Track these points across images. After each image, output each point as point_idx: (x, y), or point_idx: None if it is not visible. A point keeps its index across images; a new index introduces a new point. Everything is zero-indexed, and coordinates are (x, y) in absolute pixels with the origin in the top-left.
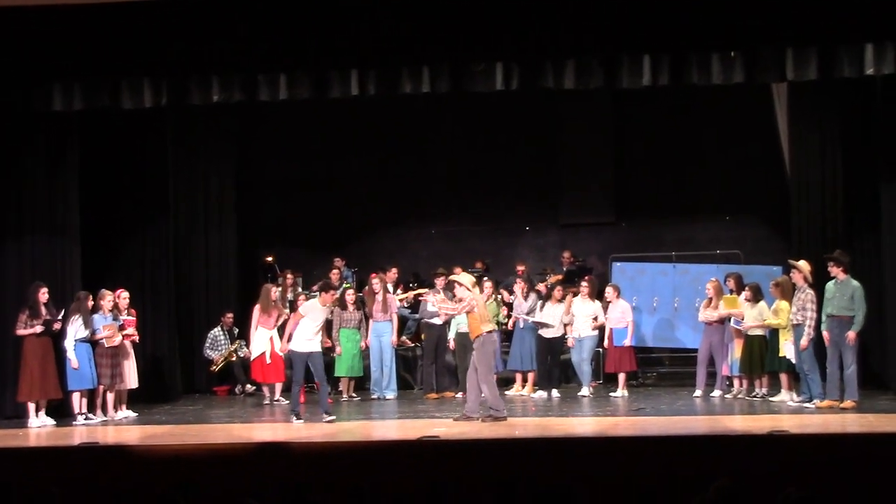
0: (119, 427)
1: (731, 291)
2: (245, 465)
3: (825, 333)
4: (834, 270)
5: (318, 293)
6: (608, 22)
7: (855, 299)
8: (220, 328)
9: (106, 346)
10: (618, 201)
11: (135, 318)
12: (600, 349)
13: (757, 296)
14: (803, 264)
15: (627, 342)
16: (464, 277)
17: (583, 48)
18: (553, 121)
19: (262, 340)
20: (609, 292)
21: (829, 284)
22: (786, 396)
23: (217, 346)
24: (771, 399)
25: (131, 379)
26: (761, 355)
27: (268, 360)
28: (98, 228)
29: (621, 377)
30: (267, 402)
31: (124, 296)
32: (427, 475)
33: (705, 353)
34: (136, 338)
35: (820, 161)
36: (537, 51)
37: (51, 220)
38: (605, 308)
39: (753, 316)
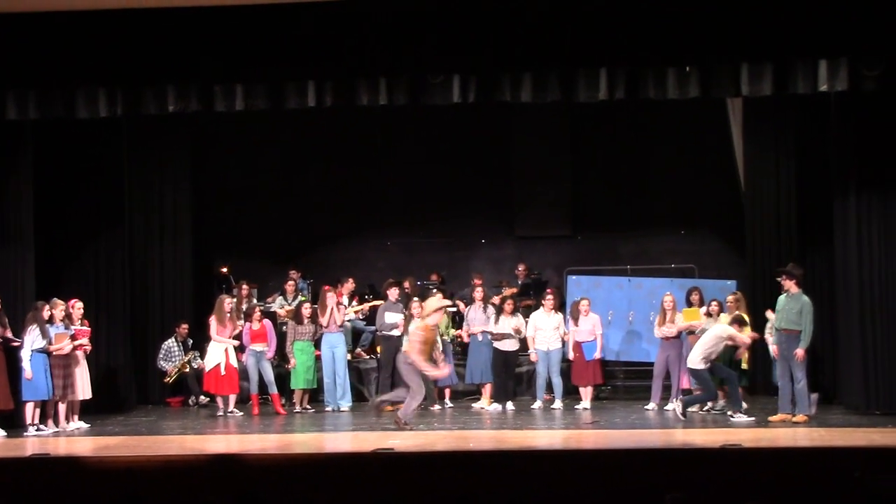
0: (71, 438)
1: (691, 304)
2: (198, 477)
3: (773, 347)
4: (786, 283)
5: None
6: (565, 36)
7: (803, 314)
8: (174, 339)
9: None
10: (574, 214)
11: (89, 329)
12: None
13: (720, 311)
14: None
15: (597, 355)
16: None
17: (540, 62)
18: (509, 134)
19: (218, 352)
20: (583, 304)
21: (782, 297)
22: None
23: (171, 357)
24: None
25: (84, 390)
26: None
27: (222, 372)
28: (53, 237)
29: (588, 390)
30: (220, 413)
31: (78, 306)
32: (381, 488)
33: (662, 366)
34: (89, 348)
35: (774, 176)
36: (494, 64)
37: (4, 228)
38: (576, 320)
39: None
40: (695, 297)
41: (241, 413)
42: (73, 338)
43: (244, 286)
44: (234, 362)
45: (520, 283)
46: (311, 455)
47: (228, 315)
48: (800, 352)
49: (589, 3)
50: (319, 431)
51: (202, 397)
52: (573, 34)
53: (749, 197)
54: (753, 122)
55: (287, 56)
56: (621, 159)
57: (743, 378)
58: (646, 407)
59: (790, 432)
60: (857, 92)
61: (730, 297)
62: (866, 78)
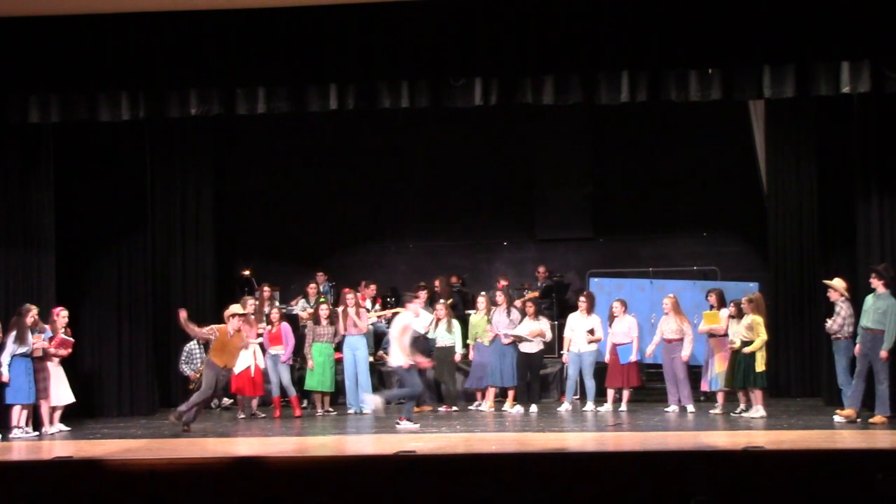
0: (94, 441)
1: (712, 307)
2: (220, 480)
3: (857, 346)
4: (875, 283)
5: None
6: (587, 38)
7: (888, 315)
8: (195, 342)
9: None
10: (595, 217)
11: (71, 339)
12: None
13: (741, 311)
14: (837, 282)
15: (633, 357)
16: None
17: (561, 64)
18: (531, 136)
19: (247, 354)
20: (616, 307)
21: (869, 297)
22: (762, 412)
23: (192, 360)
24: (751, 416)
25: (59, 395)
26: (745, 371)
27: (252, 374)
28: (74, 241)
29: (624, 392)
30: (242, 416)
31: (63, 314)
32: (403, 490)
33: (669, 368)
34: (62, 354)
35: (796, 178)
36: (516, 67)
37: (25, 232)
38: (610, 322)
39: (740, 331)
40: (712, 299)
41: (264, 415)
42: (50, 340)
43: (265, 288)
44: (261, 364)
45: (540, 285)
46: (334, 458)
47: (253, 316)
48: (884, 353)
49: (610, 5)
50: (341, 434)
51: (225, 400)
52: (595, 36)
53: (771, 198)
54: (775, 124)
55: (309, 59)
56: (642, 161)
57: (758, 379)
58: (666, 409)
59: (812, 434)
60: (879, 93)
61: (745, 299)
62: (888, 79)
